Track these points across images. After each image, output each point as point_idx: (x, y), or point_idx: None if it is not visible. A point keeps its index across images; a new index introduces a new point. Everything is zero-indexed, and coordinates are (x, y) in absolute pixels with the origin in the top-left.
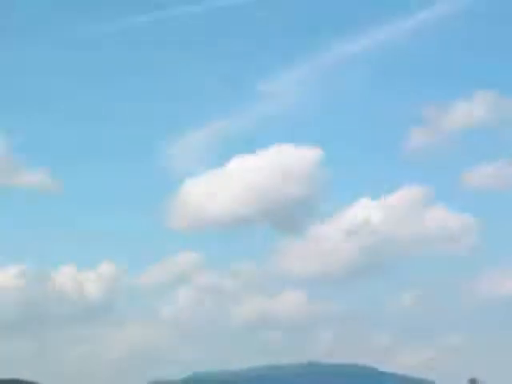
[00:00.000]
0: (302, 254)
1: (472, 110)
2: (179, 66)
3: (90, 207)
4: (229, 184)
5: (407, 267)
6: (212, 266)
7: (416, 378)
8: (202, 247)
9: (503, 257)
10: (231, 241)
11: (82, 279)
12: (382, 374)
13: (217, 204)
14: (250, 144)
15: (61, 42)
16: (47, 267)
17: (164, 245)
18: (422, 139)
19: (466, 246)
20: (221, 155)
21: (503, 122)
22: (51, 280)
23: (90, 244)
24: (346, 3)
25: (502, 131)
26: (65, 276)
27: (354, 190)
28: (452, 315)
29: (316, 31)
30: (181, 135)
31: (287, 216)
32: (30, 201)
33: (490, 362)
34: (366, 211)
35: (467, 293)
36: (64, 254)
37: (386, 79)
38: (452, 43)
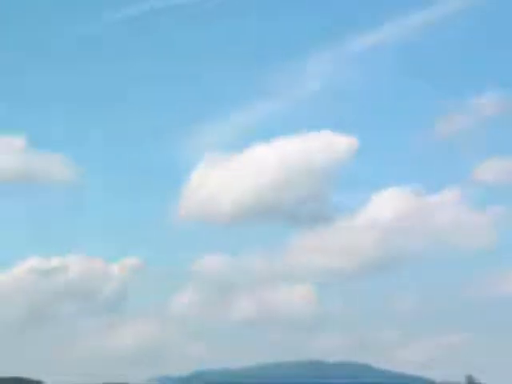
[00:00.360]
0: (315, 249)
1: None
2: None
3: (106, 196)
4: (243, 174)
5: (418, 265)
6: (221, 259)
7: (416, 376)
8: (213, 239)
9: None
10: (242, 234)
11: (90, 271)
12: (382, 372)
13: (229, 196)
14: (268, 133)
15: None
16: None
17: (174, 237)
18: (447, 130)
19: (483, 244)
20: (238, 144)
21: None
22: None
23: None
24: None
25: None
26: (76, 268)
27: (374, 182)
28: (456, 314)
29: (337, 22)
30: (200, 122)
31: (301, 209)
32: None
33: (489, 362)
34: (384, 206)
35: (476, 291)
36: (73, 244)
37: (411, 71)
38: (471, 38)
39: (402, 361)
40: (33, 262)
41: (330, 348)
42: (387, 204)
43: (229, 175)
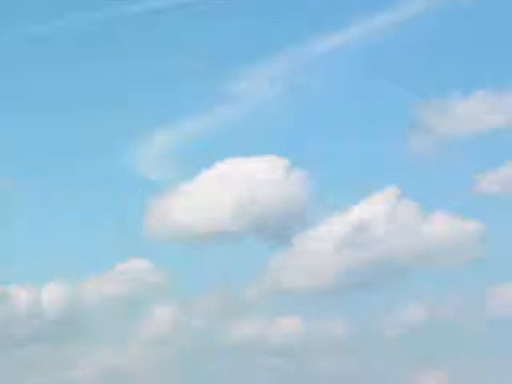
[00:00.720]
0: (293, 268)
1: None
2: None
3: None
4: (204, 194)
5: (409, 280)
6: (192, 284)
7: None
8: (180, 261)
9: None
10: (212, 256)
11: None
12: None
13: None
14: (221, 152)
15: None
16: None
17: (138, 256)
18: (418, 143)
19: (472, 257)
20: (194, 161)
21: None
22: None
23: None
24: None
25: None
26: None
27: (344, 197)
28: (459, 336)
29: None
30: (150, 135)
31: (273, 228)
32: None
33: None
34: (359, 219)
35: (475, 310)
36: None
37: (374, 74)
38: (446, 37)
39: None
40: None
41: (320, 378)
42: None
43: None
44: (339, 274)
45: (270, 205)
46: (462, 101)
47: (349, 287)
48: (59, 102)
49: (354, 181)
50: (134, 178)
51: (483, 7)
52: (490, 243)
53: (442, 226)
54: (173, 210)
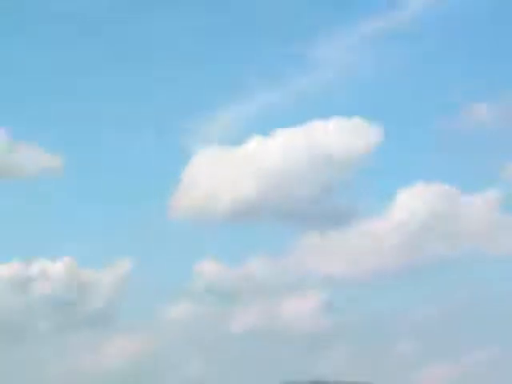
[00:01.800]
0: (325, 254)
1: None
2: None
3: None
4: (247, 167)
5: (443, 272)
6: (221, 264)
7: None
8: (209, 242)
9: None
10: (243, 236)
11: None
12: None
13: (230, 191)
14: (285, 120)
15: None
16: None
17: (167, 239)
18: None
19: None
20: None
21: None
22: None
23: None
24: None
25: None
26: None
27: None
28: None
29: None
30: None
31: (311, 209)
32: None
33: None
34: (407, 205)
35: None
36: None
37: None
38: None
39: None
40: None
41: (336, 366)
42: (411, 204)
43: (227, 170)
44: None
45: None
46: None
47: None
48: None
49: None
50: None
51: None
52: None
53: None
54: None
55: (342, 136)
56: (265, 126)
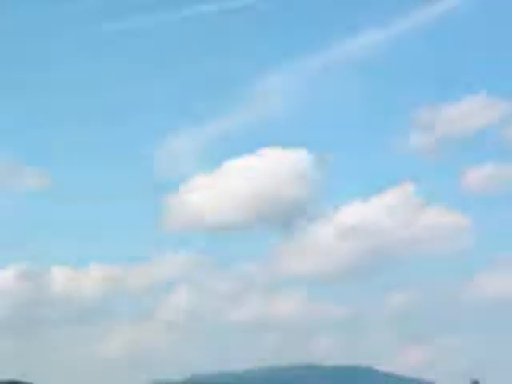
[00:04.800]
0: (299, 256)
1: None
2: (177, 65)
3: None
4: (222, 187)
5: (402, 267)
6: (208, 267)
7: (415, 378)
8: (198, 249)
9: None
10: (227, 243)
11: (76, 279)
12: (382, 375)
13: (212, 207)
14: (243, 146)
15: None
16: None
17: (158, 246)
18: (417, 140)
19: (460, 246)
20: (212, 158)
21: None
22: (46, 280)
23: (82, 243)
24: (339, 6)
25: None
26: (60, 276)
27: (348, 190)
28: (447, 316)
29: (309, 32)
30: (175, 135)
31: (283, 218)
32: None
33: (491, 363)
34: (361, 211)
35: (462, 293)
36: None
37: (380, 82)
38: (441, 45)
39: (402, 363)
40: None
41: (329, 351)
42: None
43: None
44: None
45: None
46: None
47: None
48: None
49: (363, 175)
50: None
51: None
52: None
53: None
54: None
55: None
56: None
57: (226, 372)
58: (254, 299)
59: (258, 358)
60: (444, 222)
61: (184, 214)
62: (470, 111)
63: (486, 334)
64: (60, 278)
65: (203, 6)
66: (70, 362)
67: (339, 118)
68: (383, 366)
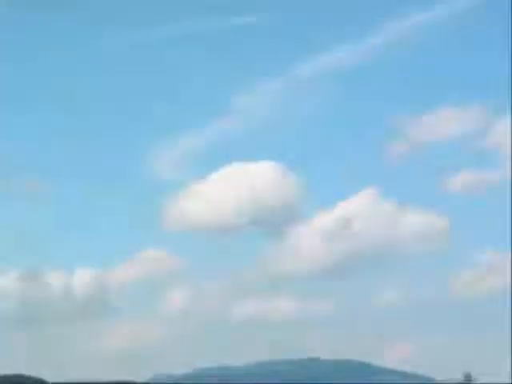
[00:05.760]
0: (287, 257)
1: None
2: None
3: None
4: (211, 194)
5: (387, 266)
6: (201, 268)
7: (414, 373)
8: (192, 251)
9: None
10: (218, 245)
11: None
12: (380, 370)
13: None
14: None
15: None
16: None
17: (153, 247)
18: (396, 151)
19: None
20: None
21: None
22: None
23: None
24: (319, 18)
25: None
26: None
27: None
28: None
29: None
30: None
31: (270, 222)
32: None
33: (486, 359)
34: (342, 215)
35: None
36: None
37: (359, 94)
38: (417, 55)
39: (399, 359)
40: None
41: (327, 347)
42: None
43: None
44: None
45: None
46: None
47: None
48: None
49: (341, 180)
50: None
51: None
52: None
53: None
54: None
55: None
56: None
57: (227, 366)
58: (252, 296)
59: (257, 352)
60: (421, 223)
61: (182, 216)
62: (446, 119)
63: (472, 330)
64: (60, 276)
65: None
66: (72, 357)
67: (313, 127)
68: (376, 360)
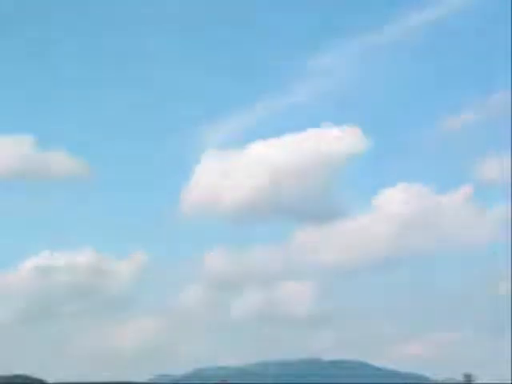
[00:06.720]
0: (319, 246)
1: None
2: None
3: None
4: (248, 169)
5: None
6: (225, 256)
7: (414, 373)
8: (215, 234)
9: None
10: (244, 229)
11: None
12: (380, 369)
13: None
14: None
15: None
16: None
17: (176, 231)
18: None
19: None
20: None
21: None
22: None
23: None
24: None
25: None
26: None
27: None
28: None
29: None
30: (220, 115)
31: (307, 205)
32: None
33: (487, 359)
34: (391, 201)
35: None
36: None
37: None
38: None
39: (400, 358)
40: (38, 259)
41: (328, 345)
42: (394, 201)
43: (231, 171)
44: None
45: None
46: None
47: None
48: None
49: None
50: None
51: None
52: None
53: None
54: None
55: (331, 142)
56: (264, 132)
57: (227, 366)
58: (263, 290)
59: (258, 352)
60: None
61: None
62: None
63: (478, 331)
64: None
65: None
66: (78, 355)
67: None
68: (381, 361)
